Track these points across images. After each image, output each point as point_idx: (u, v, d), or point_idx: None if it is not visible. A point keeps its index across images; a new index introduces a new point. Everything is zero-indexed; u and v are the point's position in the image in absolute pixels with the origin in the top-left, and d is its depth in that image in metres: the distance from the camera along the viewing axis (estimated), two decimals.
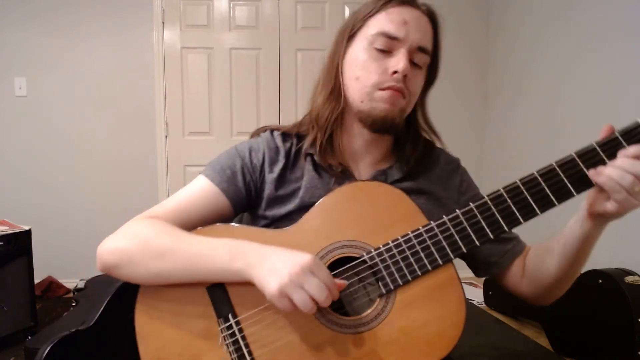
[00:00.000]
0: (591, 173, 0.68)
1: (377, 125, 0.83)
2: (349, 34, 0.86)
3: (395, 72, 0.80)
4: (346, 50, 0.87)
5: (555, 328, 2.26)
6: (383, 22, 0.82)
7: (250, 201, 0.89)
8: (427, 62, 0.85)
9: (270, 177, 0.87)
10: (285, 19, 3.18)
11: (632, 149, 0.66)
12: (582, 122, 2.49)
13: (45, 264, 2.87)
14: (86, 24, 3.05)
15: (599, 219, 0.71)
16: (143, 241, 0.77)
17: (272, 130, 0.93)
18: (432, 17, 0.86)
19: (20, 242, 2.29)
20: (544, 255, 0.83)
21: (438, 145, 0.96)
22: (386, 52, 0.82)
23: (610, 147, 0.68)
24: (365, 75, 0.83)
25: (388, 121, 0.82)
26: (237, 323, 0.74)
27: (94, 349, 0.91)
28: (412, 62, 0.82)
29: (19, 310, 2.27)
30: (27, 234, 2.32)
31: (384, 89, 0.81)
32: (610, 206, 0.67)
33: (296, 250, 0.71)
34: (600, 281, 1.97)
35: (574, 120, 2.55)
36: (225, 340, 0.74)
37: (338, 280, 0.70)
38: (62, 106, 3.07)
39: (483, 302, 2.81)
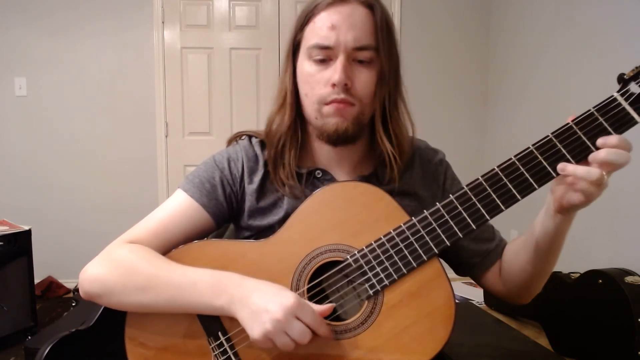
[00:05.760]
0: (560, 167, 0.67)
1: (332, 139, 0.80)
2: (293, 47, 0.83)
3: (334, 84, 0.77)
4: (295, 62, 0.84)
5: (555, 328, 2.26)
6: (312, 33, 0.79)
7: (232, 213, 0.87)
8: (372, 56, 0.78)
9: (251, 188, 0.86)
10: (285, 19, 3.17)
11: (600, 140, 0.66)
12: None
13: (45, 264, 2.87)
14: (86, 24, 3.05)
15: (568, 210, 0.70)
16: (124, 272, 0.76)
17: (250, 137, 0.90)
18: (370, 5, 0.79)
19: (20, 242, 2.29)
20: (518, 253, 0.82)
21: (415, 137, 0.91)
22: (326, 61, 0.78)
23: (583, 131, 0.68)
24: (310, 92, 0.80)
25: (341, 134, 0.79)
26: (228, 340, 0.74)
27: (94, 349, 0.91)
28: (356, 61, 0.78)
29: (19, 310, 2.27)
30: (27, 234, 2.32)
31: (328, 104, 0.78)
32: (576, 197, 0.67)
33: (281, 266, 0.72)
34: (600, 281, 1.97)
35: None
36: (217, 359, 0.74)
37: (324, 307, 0.70)
38: (62, 106, 3.07)
39: (483, 302, 2.80)
